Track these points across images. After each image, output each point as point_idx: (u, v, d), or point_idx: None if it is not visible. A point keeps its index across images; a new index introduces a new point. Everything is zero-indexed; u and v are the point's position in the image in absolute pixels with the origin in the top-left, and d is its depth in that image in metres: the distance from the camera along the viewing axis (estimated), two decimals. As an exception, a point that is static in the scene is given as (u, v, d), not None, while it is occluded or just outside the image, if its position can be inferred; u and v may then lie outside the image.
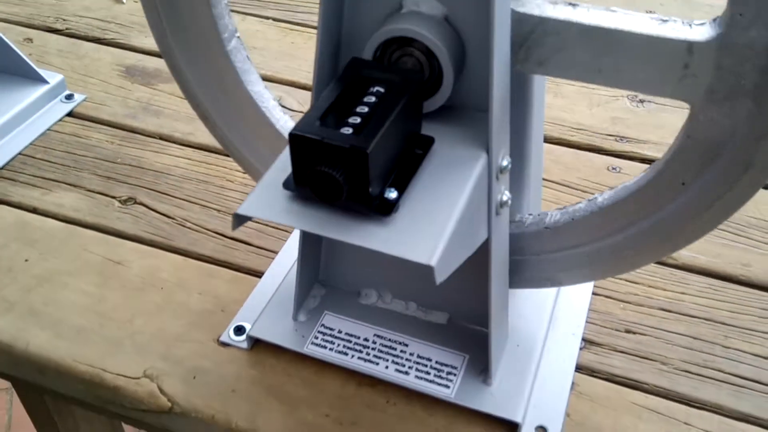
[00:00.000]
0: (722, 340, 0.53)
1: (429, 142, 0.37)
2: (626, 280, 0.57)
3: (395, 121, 0.33)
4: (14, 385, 0.70)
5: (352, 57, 0.36)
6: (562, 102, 0.76)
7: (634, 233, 0.43)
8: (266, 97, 0.49)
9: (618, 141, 0.71)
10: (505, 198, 0.40)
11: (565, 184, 0.66)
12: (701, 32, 0.34)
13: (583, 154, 0.70)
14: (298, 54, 0.83)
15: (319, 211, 0.34)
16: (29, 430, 1.49)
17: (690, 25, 0.34)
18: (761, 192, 0.64)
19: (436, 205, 0.34)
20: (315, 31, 0.83)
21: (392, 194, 0.34)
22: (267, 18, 0.89)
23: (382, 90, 0.34)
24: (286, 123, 0.50)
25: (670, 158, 0.39)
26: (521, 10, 0.36)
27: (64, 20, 0.86)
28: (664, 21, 0.35)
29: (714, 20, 0.33)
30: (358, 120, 0.32)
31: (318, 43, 0.37)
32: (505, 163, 0.39)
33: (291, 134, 0.31)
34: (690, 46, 0.34)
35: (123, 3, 0.89)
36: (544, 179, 0.66)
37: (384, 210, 0.33)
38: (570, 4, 0.36)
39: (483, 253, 0.41)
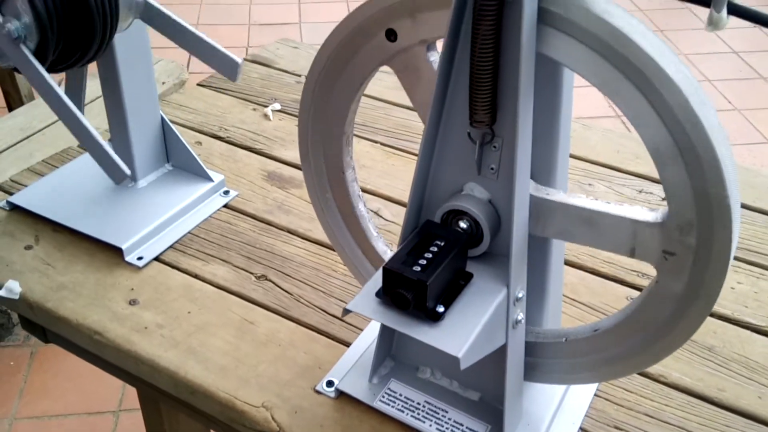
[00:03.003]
0: (688, 445, 0.69)
1: (469, 276, 0.58)
2: (623, 389, 0.74)
3: (448, 264, 0.54)
4: (141, 398, 0.93)
5: (426, 219, 0.58)
6: (601, 238, 0.94)
7: (617, 352, 0.62)
8: (366, 217, 0.72)
9: (639, 276, 0.89)
10: (519, 318, 0.60)
11: (590, 306, 0.85)
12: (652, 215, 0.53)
13: (609, 284, 0.88)
14: (397, 174, 1.07)
15: (395, 313, 0.55)
16: (131, 449, 1.72)
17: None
18: (748, 333, 0.81)
19: (468, 319, 0.55)
20: (412, 156, 1.07)
21: (441, 309, 0.55)
22: (376, 142, 1.13)
23: (442, 243, 0.56)
24: (377, 237, 0.72)
25: (640, 305, 0.58)
26: (536, 194, 0.57)
27: (225, 129, 1.14)
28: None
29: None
30: (424, 262, 0.54)
31: (408, 208, 0.59)
32: (520, 295, 0.59)
33: (384, 268, 0.53)
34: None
35: (270, 120, 1.16)
36: (573, 299, 0.85)
37: (434, 318, 0.54)
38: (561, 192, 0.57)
39: (504, 353, 0.61)
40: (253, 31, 3.30)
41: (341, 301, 0.84)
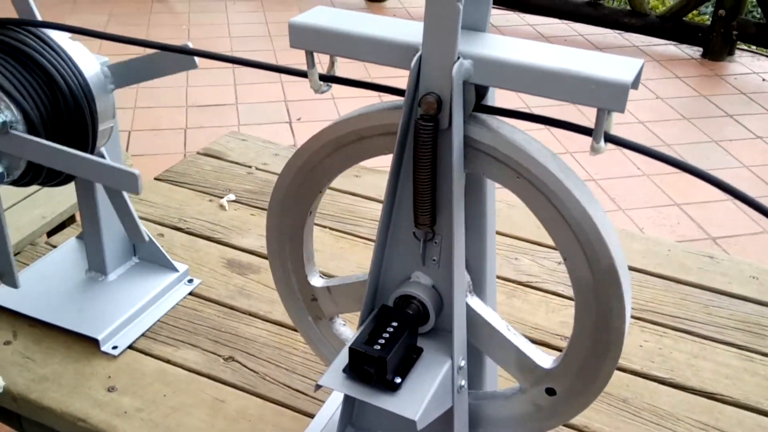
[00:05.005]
0: (610, 484, 0.81)
1: (420, 351, 0.69)
2: (553, 439, 0.86)
3: (402, 342, 0.65)
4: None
5: (382, 304, 0.69)
6: (528, 307, 1.08)
7: (546, 404, 0.73)
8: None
9: (563, 340, 1.02)
10: (462, 383, 0.72)
11: (523, 368, 0.97)
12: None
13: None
14: (345, 256, 1.18)
15: (359, 385, 0.66)
16: None
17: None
18: (655, 385, 0.94)
19: (421, 387, 0.66)
20: (359, 239, 1.19)
21: (398, 380, 0.65)
22: (325, 227, 1.24)
23: (396, 324, 0.67)
24: (339, 324, 0.83)
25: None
26: (473, 306, 0.70)
27: (185, 221, 1.23)
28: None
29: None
30: (383, 341, 0.65)
31: (365, 294, 0.71)
32: (462, 364, 0.71)
33: (350, 348, 0.64)
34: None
35: (225, 210, 1.26)
36: (507, 364, 0.97)
37: (393, 388, 0.65)
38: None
39: (451, 414, 0.72)
40: (190, 112, 3.41)
41: (303, 376, 0.93)
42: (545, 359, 0.71)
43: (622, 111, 0.55)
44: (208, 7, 4.44)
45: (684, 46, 4.18)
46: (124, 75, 0.90)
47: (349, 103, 3.33)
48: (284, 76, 3.69)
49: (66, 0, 4.40)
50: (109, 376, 0.91)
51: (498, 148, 0.62)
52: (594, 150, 0.58)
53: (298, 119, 3.24)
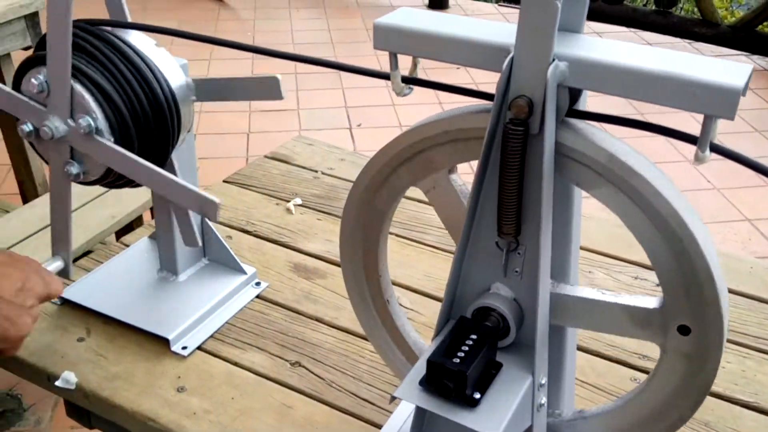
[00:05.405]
0: None
1: (499, 366, 0.66)
2: (632, 463, 0.82)
3: (482, 356, 0.63)
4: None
5: (460, 315, 0.67)
6: (603, 323, 1.03)
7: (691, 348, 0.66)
8: (400, 314, 0.81)
9: (641, 358, 0.97)
10: (543, 401, 0.68)
11: (598, 387, 0.93)
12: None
13: (613, 366, 0.96)
14: (412, 264, 1.16)
15: (436, 399, 0.63)
16: None
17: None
18: (739, 409, 0.89)
19: (501, 404, 0.63)
20: (425, 247, 1.16)
21: (477, 395, 0.63)
22: (391, 234, 1.23)
23: (475, 337, 0.64)
24: (409, 331, 0.81)
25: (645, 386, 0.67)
26: (557, 291, 0.67)
27: (253, 224, 1.23)
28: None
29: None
30: (462, 354, 0.62)
31: (442, 304, 0.68)
32: (543, 381, 0.67)
33: (428, 360, 0.62)
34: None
35: (292, 213, 1.26)
36: (583, 381, 0.93)
37: (472, 404, 0.62)
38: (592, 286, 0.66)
39: (528, 432, 0.69)
40: (253, 117, 3.45)
41: (370, 385, 0.92)
42: (649, 300, 0.64)
43: (731, 118, 0.52)
44: (273, 14, 4.50)
45: (756, 57, 4.03)
46: (206, 90, 0.92)
47: (409, 110, 3.32)
48: (345, 82, 3.71)
49: (135, 8, 4.54)
50: (179, 377, 0.91)
51: (591, 156, 0.59)
52: (698, 159, 0.55)
53: (359, 125, 3.24)
